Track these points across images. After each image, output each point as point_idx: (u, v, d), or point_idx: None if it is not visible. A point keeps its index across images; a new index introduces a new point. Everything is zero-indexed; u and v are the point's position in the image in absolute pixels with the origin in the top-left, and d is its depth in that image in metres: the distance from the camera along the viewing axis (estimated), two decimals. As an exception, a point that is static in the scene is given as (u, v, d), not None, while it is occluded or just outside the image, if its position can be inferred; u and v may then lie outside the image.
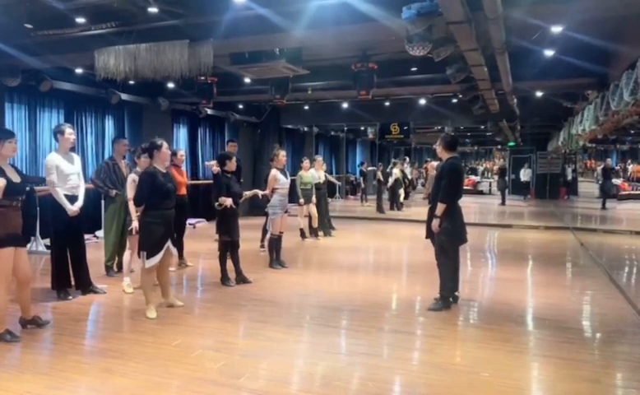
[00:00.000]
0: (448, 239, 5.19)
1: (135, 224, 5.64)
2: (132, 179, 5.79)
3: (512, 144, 21.84)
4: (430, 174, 15.27)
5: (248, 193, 7.08)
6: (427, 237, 5.51)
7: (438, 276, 5.35)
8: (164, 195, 4.87)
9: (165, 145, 5.08)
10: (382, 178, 15.31)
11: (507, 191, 19.39)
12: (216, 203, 6.02)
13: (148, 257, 4.82)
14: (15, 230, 4.22)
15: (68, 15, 5.90)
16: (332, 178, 10.91)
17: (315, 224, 9.91)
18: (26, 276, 4.43)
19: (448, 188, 5.10)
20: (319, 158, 10.61)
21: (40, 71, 8.29)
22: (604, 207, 16.82)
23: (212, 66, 6.00)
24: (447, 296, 5.25)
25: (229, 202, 5.97)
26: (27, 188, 4.53)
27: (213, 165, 7.59)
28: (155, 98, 11.05)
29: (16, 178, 4.31)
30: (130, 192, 5.76)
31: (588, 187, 25.03)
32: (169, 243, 4.96)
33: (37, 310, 4.78)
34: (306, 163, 9.60)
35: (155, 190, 4.82)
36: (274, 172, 7.10)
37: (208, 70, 6.06)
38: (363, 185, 19.22)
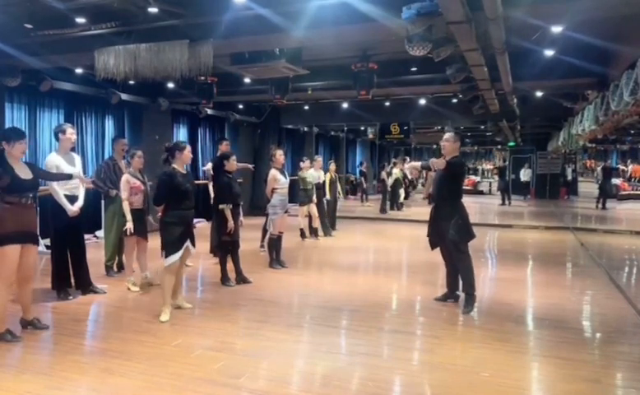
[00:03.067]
0: (461, 234, 5.16)
1: (129, 225, 5.67)
2: (125, 180, 5.83)
3: (512, 144, 21.82)
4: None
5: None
6: (433, 248, 5.46)
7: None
8: (182, 195, 4.87)
9: (189, 147, 5.09)
10: (387, 180, 15.25)
11: (509, 191, 19.24)
12: (220, 206, 6.02)
13: (167, 255, 4.84)
14: (24, 227, 4.22)
15: (68, 15, 5.89)
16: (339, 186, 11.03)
17: (315, 224, 9.92)
18: (29, 274, 4.41)
19: (460, 184, 5.38)
20: (319, 158, 10.63)
21: (40, 71, 8.27)
22: (604, 207, 16.82)
23: (212, 66, 5.99)
24: (474, 292, 5.18)
25: (230, 224, 5.98)
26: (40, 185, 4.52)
27: (209, 169, 7.59)
28: (155, 98, 11.02)
29: (27, 175, 4.31)
30: (123, 192, 5.79)
31: (588, 187, 25.01)
32: (188, 243, 4.97)
33: (37, 310, 4.78)
34: (306, 163, 9.64)
35: (174, 190, 4.83)
36: (273, 172, 7.10)
37: (208, 70, 6.05)
38: (364, 185, 19.24)
